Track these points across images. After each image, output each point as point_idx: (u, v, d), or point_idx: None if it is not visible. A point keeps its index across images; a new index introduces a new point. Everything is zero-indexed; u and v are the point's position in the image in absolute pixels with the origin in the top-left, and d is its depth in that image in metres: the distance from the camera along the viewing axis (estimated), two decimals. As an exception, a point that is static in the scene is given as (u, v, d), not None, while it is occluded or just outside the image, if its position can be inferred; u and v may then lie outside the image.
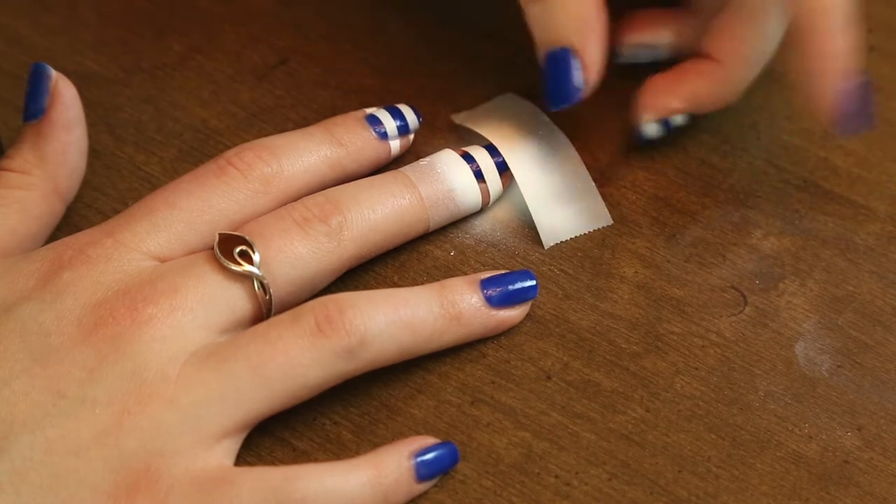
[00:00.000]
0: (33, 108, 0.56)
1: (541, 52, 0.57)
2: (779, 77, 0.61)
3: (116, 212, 0.57)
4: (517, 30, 0.64)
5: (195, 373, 0.50)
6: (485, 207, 0.58)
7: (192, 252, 0.53)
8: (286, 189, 0.55)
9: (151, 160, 0.60)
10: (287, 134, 0.57)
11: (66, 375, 0.50)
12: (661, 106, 0.59)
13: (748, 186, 0.59)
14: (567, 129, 0.59)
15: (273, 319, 0.52)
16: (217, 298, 0.52)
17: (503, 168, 0.58)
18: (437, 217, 0.57)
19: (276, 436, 0.53)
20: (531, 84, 0.62)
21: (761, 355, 0.55)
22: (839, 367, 0.55)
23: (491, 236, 0.58)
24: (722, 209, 0.59)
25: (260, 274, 0.52)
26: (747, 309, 0.56)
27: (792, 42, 0.56)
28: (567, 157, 0.59)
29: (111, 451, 0.49)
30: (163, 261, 0.53)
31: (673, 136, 0.60)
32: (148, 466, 0.49)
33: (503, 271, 0.55)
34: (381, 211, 0.55)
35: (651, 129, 0.59)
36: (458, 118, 0.61)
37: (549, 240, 0.58)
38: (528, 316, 0.56)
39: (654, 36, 0.61)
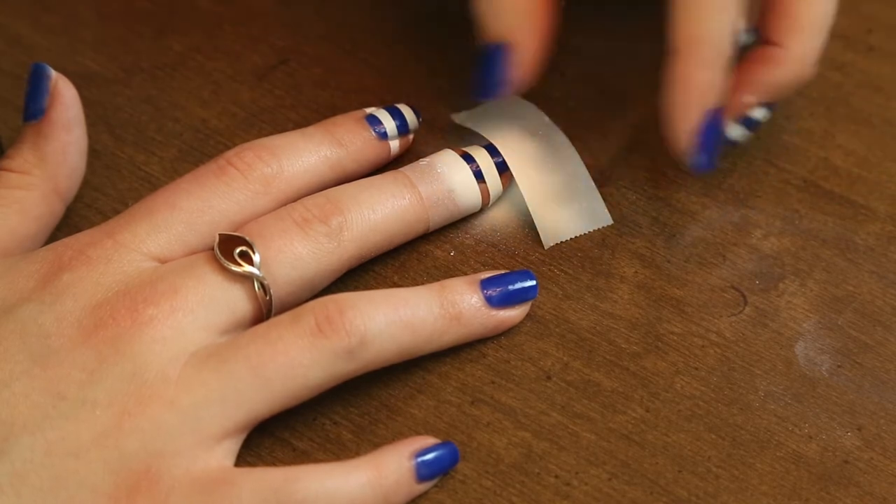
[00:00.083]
0: (33, 108, 0.56)
1: (481, 44, 0.57)
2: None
3: (116, 212, 0.57)
4: (517, 30, 0.64)
5: (195, 374, 0.50)
6: (485, 207, 0.58)
7: (193, 252, 0.53)
8: (286, 189, 0.55)
9: (151, 160, 0.60)
10: (287, 134, 0.57)
11: (66, 377, 0.50)
12: (736, 105, 0.57)
13: (748, 186, 0.60)
14: (567, 129, 0.59)
15: (273, 320, 0.52)
16: (217, 299, 0.52)
17: (503, 168, 0.58)
18: (437, 217, 0.57)
19: (276, 436, 0.53)
20: (531, 84, 0.62)
21: (761, 355, 0.55)
22: (839, 367, 0.55)
23: (491, 236, 0.58)
24: (722, 209, 0.59)
25: (260, 275, 0.52)
26: (747, 309, 0.56)
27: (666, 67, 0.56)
28: (567, 157, 0.59)
29: (111, 453, 0.49)
30: (163, 261, 0.53)
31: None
32: (148, 468, 0.49)
33: (503, 271, 0.55)
34: (381, 211, 0.55)
35: (736, 131, 0.58)
36: (458, 118, 0.61)
37: (549, 240, 0.58)
38: (528, 316, 0.56)
39: None
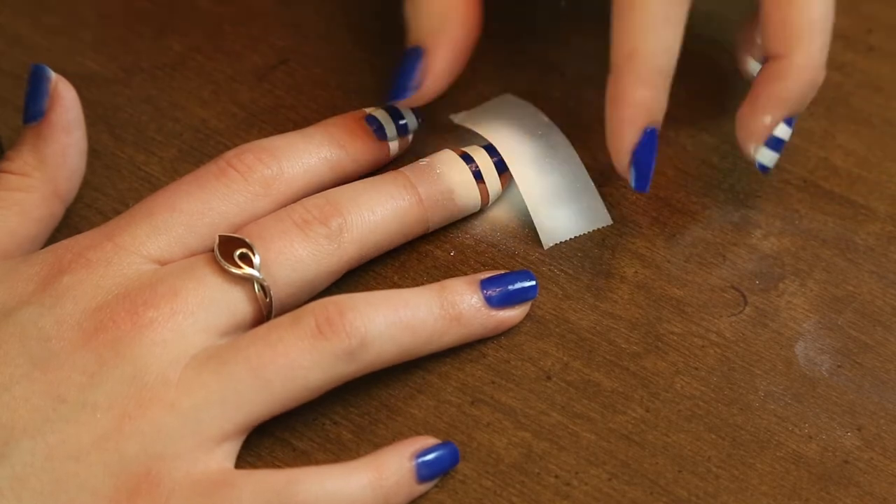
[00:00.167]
0: (33, 110, 0.56)
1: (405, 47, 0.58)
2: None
3: (116, 212, 0.57)
4: (517, 30, 0.64)
5: (196, 376, 0.50)
6: (484, 207, 0.58)
7: (193, 254, 0.53)
8: (286, 191, 0.55)
9: (151, 160, 0.60)
10: (286, 135, 0.57)
11: (67, 380, 0.50)
12: (756, 130, 0.57)
13: (748, 186, 0.59)
14: (567, 129, 0.59)
15: (273, 322, 0.52)
16: (217, 301, 0.52)
17: (502, 168, 0.58)
18: (437, 218, 0.57)
19: (276, 436, 0.53)
20: (531, 84, 0.62)
21: (761, 355, 0.55)
22: (839, 367, 0.55)
23: (491, 236, 0.58)
24: (722, 209, 0.59)
25: (260, 276, 0.52)
26: (747, 309, 0.56)
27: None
28: (566, 157, 0.59)
29: (112, 456, 0.49)
30: (162, 264, 0.53)
31: (674, 136, 0.60)
32: (149, 470, 0.49)
33: (503, 271, 0.55)
34: (381, 212, 0.55)
35: (765, 156, 0.57)
36: (457, 118, 0.61)
37: (548, 240, 0.58)
38: (528, 316, 0.56)
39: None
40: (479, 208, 0.58)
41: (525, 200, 0.58)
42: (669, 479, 0.52)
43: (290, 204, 0.55)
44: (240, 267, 0.52)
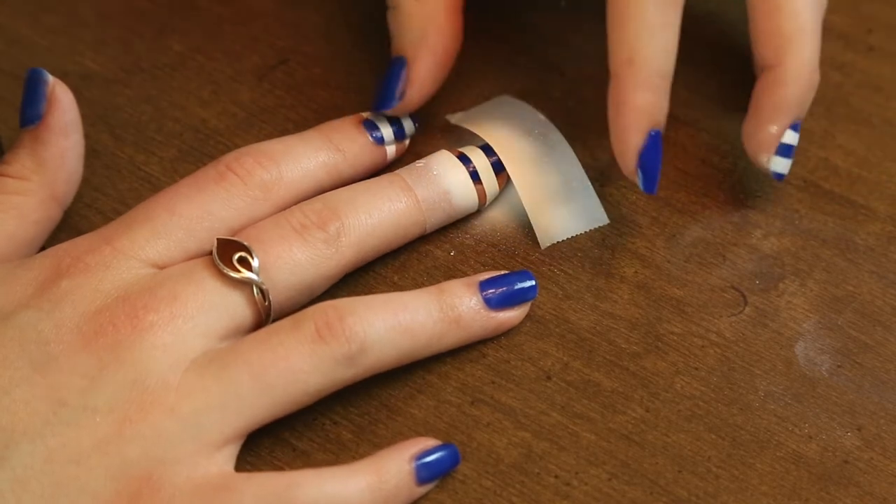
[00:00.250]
0: (30, 113, 0.56)
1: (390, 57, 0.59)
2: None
3: (116, 212, 0.57)
4: (517, 30, 0.64)
5: (196, 380, 0.50)
6: (481, 208, 0.58)
7: (191, 258, 0.53)
8: (285, 195, 0.55)
9: (151, 160, 0.60)
10: (285, 139, 0.57)
11: (67, 384, 0.50)
12: (765, 140, 0.57)
13: (748, 186, 0.59)
14: (567, 128, 0.59)
15: (273, 326, 0.52)
16: (217, 305, 0.52)
17: (499, 168, 0.58)
18: (434, 219, 0.57)
19: (275, 436, 0.53)
20: (531, 84, 0.62)
21: (761, 355, 0.55)
22: (839, 367, 0.55)
23: (491, 236, 0.58)
24: (722, 209, 0.59)
25: (259, 280, 0.52)
26: (747, 309, 0.56)
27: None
28: (563, 156, 0.59)
29: (112, 460, 0.49)
30: (161, 268, 0.53)
31: (674, 136, 0.60)
32: (150, 475, 0.49)
33: (502, 272, 0.55)
34: (378, 215, 0.55)
35: (779, 164, 0.58)
36: (454, 118, 0.61)
37: (545, 240, 0.58)
38: (528, 316, 0.56)
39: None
40: (476, 209, 0.58)
41: (522, 200, 0.58)
42: (669, 479, 0.52)
43: (288, 208, 0.55)
44: (238, 271, 0.52)
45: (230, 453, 0.51)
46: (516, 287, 0.55)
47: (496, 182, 0.58)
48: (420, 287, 0.55)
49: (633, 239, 0.58)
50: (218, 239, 0.53)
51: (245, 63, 0.63)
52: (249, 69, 0.63)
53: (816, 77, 0.57)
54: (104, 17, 0.65)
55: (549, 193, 0.58)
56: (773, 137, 0.57)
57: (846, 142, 0.61)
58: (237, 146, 0.58)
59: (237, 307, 0.52)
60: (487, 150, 0.58)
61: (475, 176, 0.57)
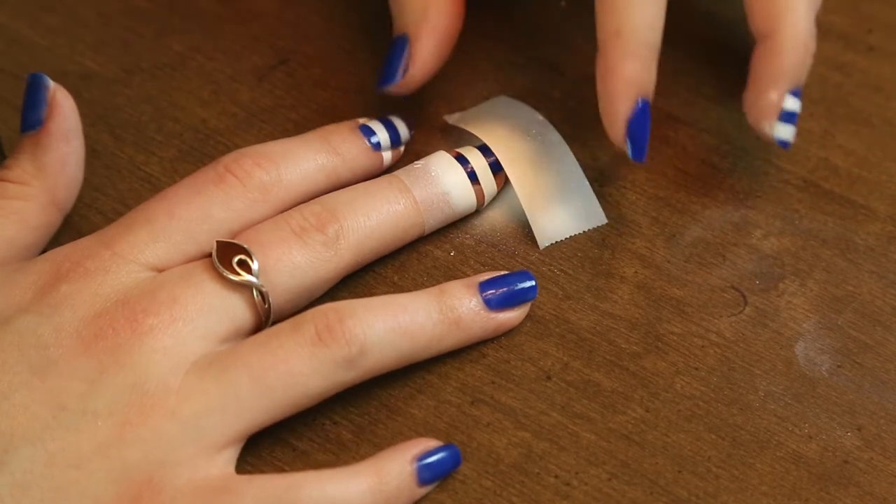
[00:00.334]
0: (31, 118, 0.56)
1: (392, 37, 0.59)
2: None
3: (116, 212, 0.57)
4: (517, 30, 0.64)
5: (197, 383, 0.50)
6: (480, 208, 0.58)
7: (190, 261, 0.53)
8: (284, 197, 0.55)
9: (151, 160, 0.60)
10: (284, 141, 0.57)
11: (67, 388, 0.50)
12: (766, 108, 0.57)
13: (748, 186, 0.60)
14: (566, 128, 0.59)
15: (273, 329, 0.52)
16: (217, 308, 0.52)
17: (497, 168, 0.58)
18: (433, 221, 0.57)
19: (275, 436, 0.53)
20: (531, 84, 0.62)
21: (761, 355, 0.55)
22: (839, 367, 0.55)
23: (491, 236, 0.58)
24: (722, 209, 0.59)
25: (259, 283, 0.52)
26: (747, 309, 0.56)
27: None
28: (561, 156, 0.59)
29: (113, 463, 0.49)
30: (160, 271, 0.53)
31: (674, 136, 0.60)
32: (150, 478, 0.49)
33: (502, 272, 0.55)
34: (377, 218, 0.55)
35: (782, 131, 0.58)
36: (452, 119, 0.61)
37: (544, 240, 0.58)
38: (528, 316, 0.56)
39: None
40: (474, 209, 0.58)
41: (520, 200, 0.58)
42: (669, 479, 0.52)
43: (287, 210, 0.55)
44: (238, 274, 0.52)
45: (231, 455, 0.51)
46: (516, 287, 0.55)
47: (494, 182, 0.58)
48: (420, 287, 0.55)
49: (633, 239, 0.58)
50: (217, 241, 0.53)
51: (245, 63, 0.63)
52: (249, 69, 0.63)
53: (812, 43, 0.58)
54: (104, 17, 0.65)
55: (547, 193, 0.58)
56: (773, 104, 0.57)
57: (846, 142, 0.61)
58: (237, 146, 0.59)
59: (237, 310, 0.52)
60: (485, 150, 0.58)
61: (473, 176, 0.57)
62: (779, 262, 0.57)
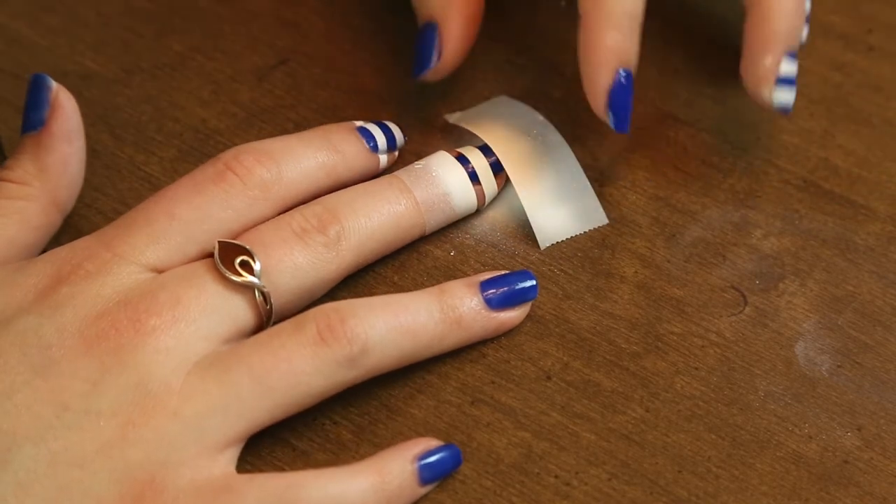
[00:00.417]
0: (33, 119, 0.56)
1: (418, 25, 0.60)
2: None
3: (116, 212, 0.57)
4: (517, 30, 0.64)
5: (199, 383, 0.50)
6: (480, 208, 0.58)
7: (191, 261, 0.53)
8: (285, 195, 0.55)
9: (151, 160, 0.60)
10: (284, 138, 0.57)
11: (69, 388, 0.50)
12: (763, 73, 0.57)
13: (748, 186, 0.60)
14: (567, 129, 0.59)
15: (275, 329, 0.52)
16: (219, 308, 0.52)
17: (498, 169, 0.58)
18: (433, 221, 0.57)
19: (276, 436, 0.53)
20: (531, 84, 0.62)
21: (761, 355, 0.55)
22: (839, 367, 0.55)
23: (491, 236, 0.58)
24: (722, 209, 0.59)
25: (261, 284, 0.52)
26: (747, 309, 0.56)
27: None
28: (562, 156, 0.59)
29: (116, 463, 0.49)
30: (161, 271, 0.53)
31: (674, 136, 0.60)
32: (153, 478, 0.49)
33: (502, 272, 0.55)
34: (378, 218, 0.55)
35: (781, 95, 0.58)
36: (452, 118, 0.61)
37: (544, 240, 0.58)
38: (528, 316, 0.56)
39: None
40: (475, 210, 0.58)
41: (521, 200, 0.58)
42: (669, 479, 0.52)
43: (287, 208, 0.55)
44: (241, 274, 0.52)
45: (232, 455, 0.51)
46: (517, 287, 0.55)
47: (495, 183, 0.58)
48: (420, 287, 0.55)
49: (633, 239, 0.58)
50: (220, 242, 0.53)
51: (245, 63, 0.63)
52: (249, 69, 0.63)
53: (803, 6, 0.58)
54: (104, 17, 0.65)
55: (548, 194, 0.58)
56: (769, 70, 0.57)
57: (846, 142, 0.61)
58: (234, 147, 0.58)
59: (239, 310, 0.52)
60: (486, 150, 0.58)
61: (474, 176, 0.57)
62: (779, 262, 0.57)
